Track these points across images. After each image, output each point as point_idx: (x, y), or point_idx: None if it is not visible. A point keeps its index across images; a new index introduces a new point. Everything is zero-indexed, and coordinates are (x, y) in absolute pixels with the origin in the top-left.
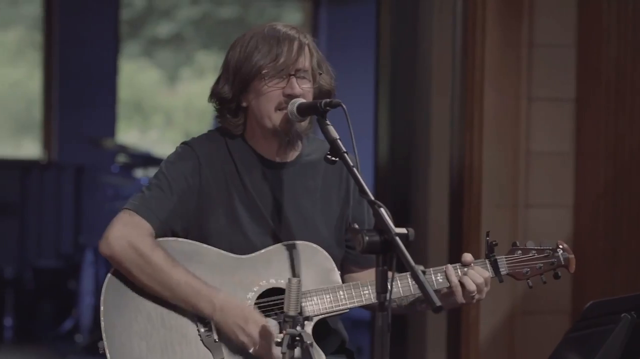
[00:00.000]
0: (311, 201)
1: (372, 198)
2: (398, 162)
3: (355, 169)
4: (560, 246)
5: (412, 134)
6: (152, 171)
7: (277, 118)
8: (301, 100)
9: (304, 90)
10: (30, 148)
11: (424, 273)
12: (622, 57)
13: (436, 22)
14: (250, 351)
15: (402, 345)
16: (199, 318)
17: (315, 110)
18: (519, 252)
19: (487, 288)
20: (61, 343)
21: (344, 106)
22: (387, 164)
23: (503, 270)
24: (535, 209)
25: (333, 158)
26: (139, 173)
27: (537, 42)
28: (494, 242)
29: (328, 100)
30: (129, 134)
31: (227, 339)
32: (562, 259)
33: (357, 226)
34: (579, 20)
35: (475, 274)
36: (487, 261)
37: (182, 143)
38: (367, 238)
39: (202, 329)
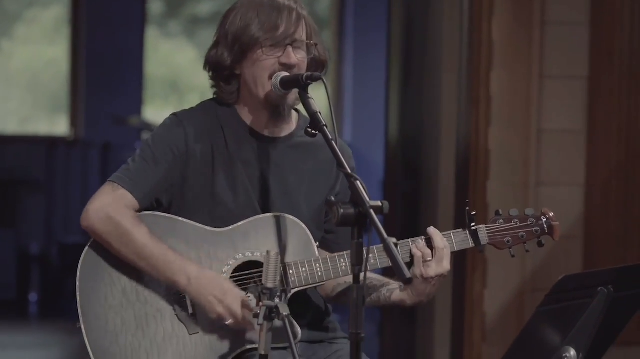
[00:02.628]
0: (297, 179)
1: (349, 171)
2: (408, 141)
3: (333, 142)
4: (544, 213)
5: (422, 113)
6: None
7: (269, 87)
8: (284, 73)
9: (299, 60)
10: (62, 126)
11: (396, 245)
12: (635, 36)
13: (446, 1)
14: (228, 323)
15: (410, 320)
16: (175, 292)
17: (297, 83)
18: (501, 221)
19: (446, 259)
20: None
21: (324, 80)
22: (397, 142)
23: (483, 240)
24: (547, 188)
25: (313, 131)
26: None
27: (550, 20)
28: (473, 213)
29: (309, 73)
30: (164, 113)
31: (202, 313)
32: (545, 226)
33: (333, 199)
34: None
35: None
36: (467, 231)
37: (171, 114)
38: (342, 210)
39: (177, 304)
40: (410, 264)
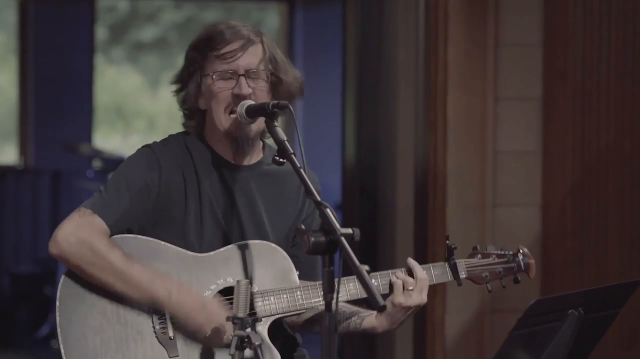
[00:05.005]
0: (265, 207)
1: (318, 199)
2: (365, 165)
3: (302, 170)
4: (521, 251)
5: (379, 136)
6: None
7: (226, 121)
8: (250, 102)
9: (255, 89)
10: (11, 154)
11: (368, 272)
12: (588, 57)
13: (401, 24)
14: (207, 334)
15: (371, 346)
16: (155, 312)
17: (263, 111)
18: (479, 256)
19: (424, 291)
20: (38, 349)
21: (292, 108)
22: (354, 166)
23: (462, 274)
24: (503, 209)
25: (281, 159)
26: None
27: (503, 42)
28: (453, 246)
29: (276, 102)
30: (111, 139)
31: (182, 337)
32: (522, 264)
33: (303, 227)
34: (545, 20)
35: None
36: (446, 265)
37: (143, 146)
38: (312, 239)
39: (158, 326)
40: (387, 295)
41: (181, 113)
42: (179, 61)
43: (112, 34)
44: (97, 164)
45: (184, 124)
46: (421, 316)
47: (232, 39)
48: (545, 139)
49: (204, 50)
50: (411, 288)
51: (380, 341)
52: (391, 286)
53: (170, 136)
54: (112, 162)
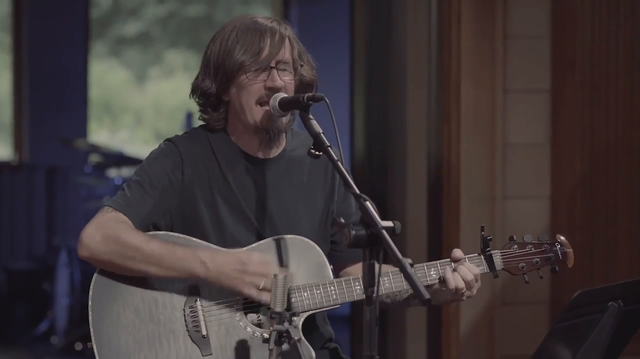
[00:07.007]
0: (295, 197)
1: (357, 191)
2: (375, 158)
3: (339, 163)
4: (559, 240)
5: (389, 128)
6: (125, 170)
7: (258, 113)
8: (283, 94)
9: (285, 82)
10: (2, 150)
11: (411, 265)
12: (596, 49)
13: (411, 15)
14: (261, 286)
15: (382, 336)
16: (188, 313)
17: (298, 104)
18: (515, 246)
19: (478, 283)
20: (37, 345)
21: (327, 100)
22: (364, 159)
23: (498, 265)
24: (513, 201)
25: (317, 152)
26: (112, 173)
27: (512, 34)
28: (488, 237)
29: (311, 94)
30: (99, 134)
31: (215, 334)
32: (560, 253)
33: (342, 220)
34: (553, 12)
35: (465, 271)
36: (481, 257)
37: (165, 140)
38: (353, 232)
39: (191, 325)
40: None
41: (199, 106)
42: (163, 56)
43: (96, 28)
44: (94, 159)
45: (208, 117)
46: (436, 308)
47: (264, 36)
48: (554, 132)
49: (236, 54)
50: (463, 291)
51: (391, 334)
52: (442, 279)
53: (191, 129)
54: (111, 157)
